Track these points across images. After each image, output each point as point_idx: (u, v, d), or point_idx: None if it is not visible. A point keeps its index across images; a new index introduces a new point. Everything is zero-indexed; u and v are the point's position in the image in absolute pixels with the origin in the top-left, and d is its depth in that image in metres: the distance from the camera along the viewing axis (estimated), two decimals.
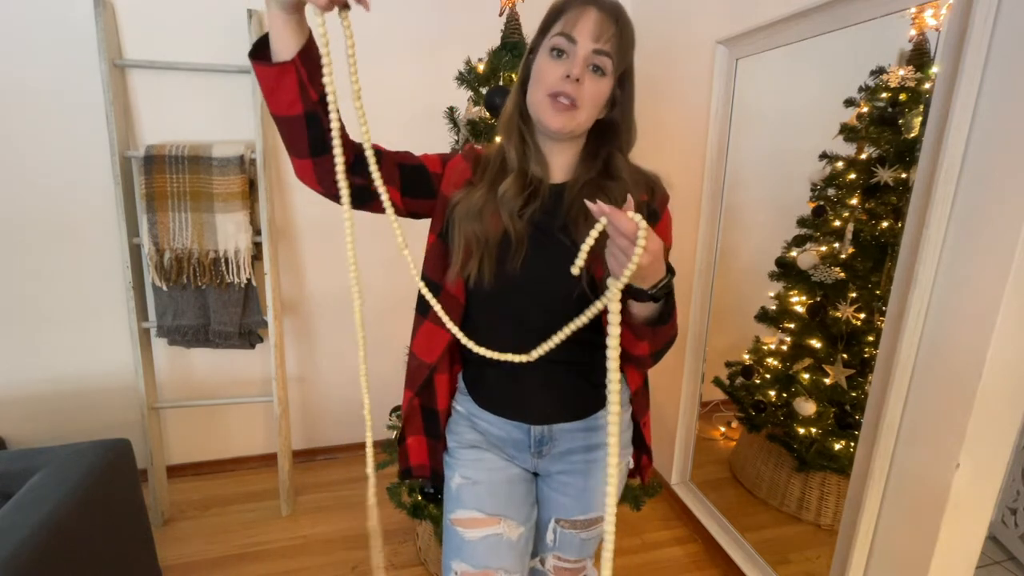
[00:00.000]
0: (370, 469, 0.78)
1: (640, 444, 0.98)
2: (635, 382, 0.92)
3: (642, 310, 0.70)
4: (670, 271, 0.67)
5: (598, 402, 0.88)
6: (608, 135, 0.81)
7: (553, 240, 0.78)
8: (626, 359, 0.77)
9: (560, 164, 0.82)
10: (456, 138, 1.46)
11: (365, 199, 0.75)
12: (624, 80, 0.78)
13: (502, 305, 0.82)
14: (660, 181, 0.84)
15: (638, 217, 0.57)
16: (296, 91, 0.64)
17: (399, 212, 0.80)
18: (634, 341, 0.75)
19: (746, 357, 1.99)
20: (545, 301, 0.79)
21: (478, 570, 0.84)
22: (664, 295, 0.68)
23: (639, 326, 0.73)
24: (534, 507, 0.94)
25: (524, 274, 0.78)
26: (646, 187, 0.82)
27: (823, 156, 1.71)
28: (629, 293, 0.68)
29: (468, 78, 1.44)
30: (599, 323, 0.81)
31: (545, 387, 0.85)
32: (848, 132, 1.65)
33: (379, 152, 0.75)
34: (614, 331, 0.61)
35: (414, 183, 0.80)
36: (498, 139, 0.85)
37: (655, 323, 0.73)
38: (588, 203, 0.59)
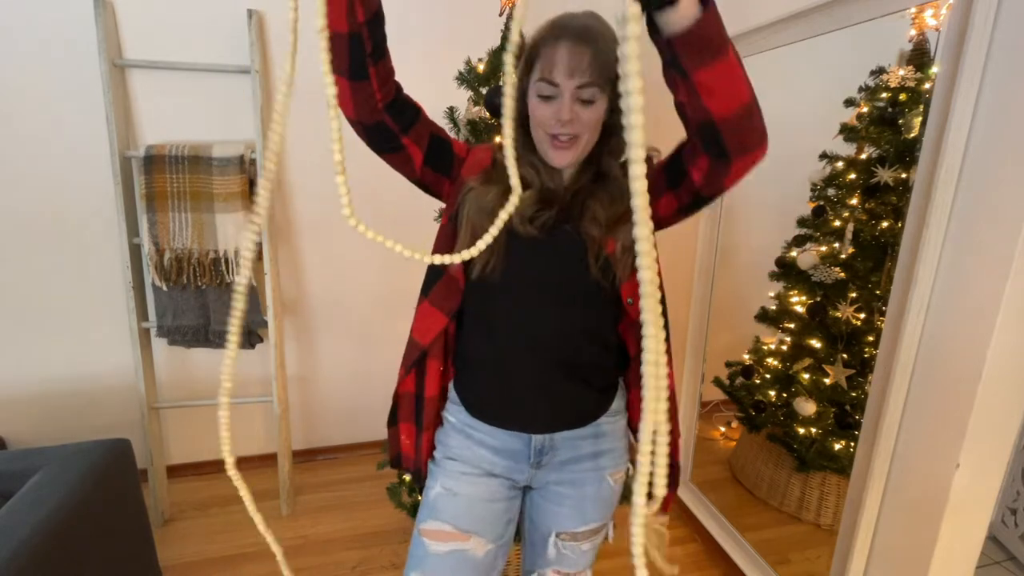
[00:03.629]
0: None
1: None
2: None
3: (676, 18, 0.51)
4: None
5: (600, 407, 0.87)
6: (606, 140, 0.81)
7: (563, 234, 0.80)
8: (710, 146, 0.62)
9: (568, 173, 0.84)
10: (456, 138, 1.46)
11: (386, 146, 0.76)
12: (616, 85, 0.78)
13: (507, 298, 0.82)
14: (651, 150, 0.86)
15: None
16: (344, 7, 0.62)
17: (413, 177, 0.82)
18: (708, 78, 0.55)
19: (746, 357, 1.99)
20: (555, 293, 0.81)
21: None
22: None
23: (688, 37, 0.52)
24: (510, 525, 0.91)
25: (536, 271, 0.80)
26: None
27: (823, 156, 1.71)
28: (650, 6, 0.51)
29: (468, 78, 1.44)
30: (605, 320, 0.83)
31: (546, 393, 0.83)
32: (848, 132, 1.65)
33: (419, 111, 0.78)
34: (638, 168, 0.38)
35: (438, 156, 0.81)
36: (498, 140, 0.86)
37: (708, 37, 0.53)
38: None
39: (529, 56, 0.77)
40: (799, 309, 1.79)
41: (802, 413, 1.71)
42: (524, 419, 0.84)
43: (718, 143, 0.61)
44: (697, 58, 0.54)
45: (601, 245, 0.78)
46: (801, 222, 1.80)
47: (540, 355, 0.82)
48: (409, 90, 0.78)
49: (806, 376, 1.77)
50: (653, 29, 0.55)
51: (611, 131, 0.81)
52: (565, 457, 0.87)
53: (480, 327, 0.85)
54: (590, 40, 0.71)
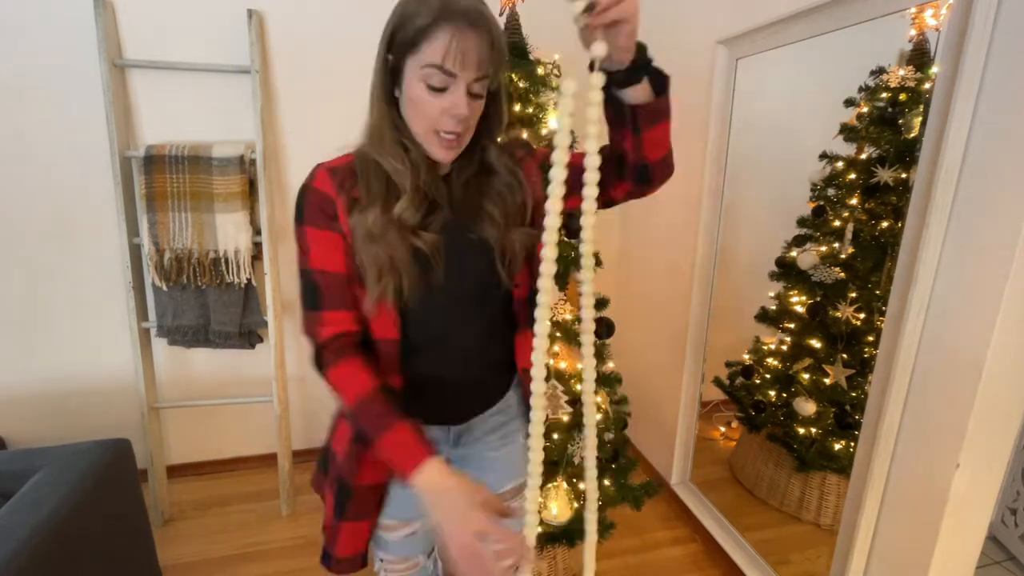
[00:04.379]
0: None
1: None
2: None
3: (637, 93, 0.64)
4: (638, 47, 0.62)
5: (506, 385, 0.90)
6: (481, 122, 0.74)
7: (468, 243, 0.76)
8: (639, 178, 0.73)
9: (445, 164, 0.77)
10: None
11: None
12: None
13: (434, 319, 0.78)
14: (520, 139, 0.86)
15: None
16: None
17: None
18: (653, 136, 0.68)
19: (746, 357, 1.99)
20: (470, 303, 0.79)
21: (398, 557, 0.91)
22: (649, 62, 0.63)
23: (648, 108, 0.65)
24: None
25: (449, 280, 0.75)
26: (516, 148, 0.82)
27: (823, 156, 1.71)
28: (621, 80, 0.63)
29: None
30: (507, 311, 0.83)
31: (467, 388, 0.85)
32: (848, 132, 1.65)
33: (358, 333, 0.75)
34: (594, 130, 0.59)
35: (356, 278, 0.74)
36: (362, 148, 0.74)
37: (663, 108, 0.67)
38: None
39: (416, 35, 0.65)
40: (799, 309, 1.79)
41: (802, 413, 1.71)
42: (442, 416, 0.86)
43: (647, 177, 0.73)
44: (650, 121, 0.67)
45: (504, 248, 0.76)
46: (801, 222, 1.80)
47: (456, 360, 0.81)
48: None
49: (806, 376, 1.77)
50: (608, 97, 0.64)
51: (483, 118, 0.74)
52: (479, 433, 0.89)
53: (418, 348, 0.79)
54: (486, 27, 0.64)
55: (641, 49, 0.62)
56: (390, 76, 0.70)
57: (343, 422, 0.86)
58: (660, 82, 0.65)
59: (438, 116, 0.67)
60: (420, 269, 0.72)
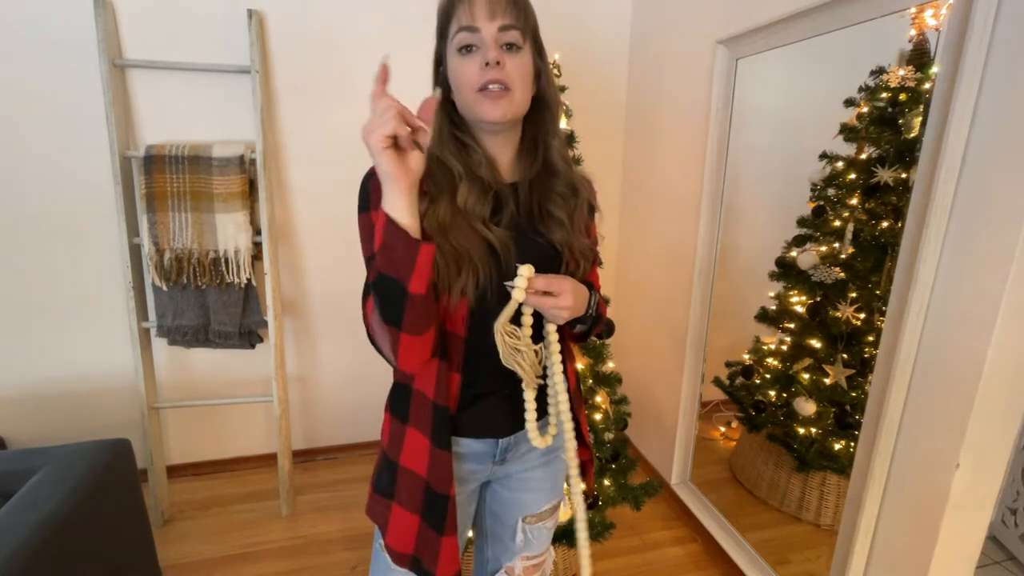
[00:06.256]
0: None
1: (580, 439, 0.94)
2: (571, 379, 0.92)
3: (579, 328, 0.83)
4: (593, 301, 0.79)
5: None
6: (540, 114, 0.77)
7: (532, 242, 0.77)
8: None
9: (505, 162, 0.79)
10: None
11: None
12: (538, 47, 0.75)
13: (488, 321, 0.75)
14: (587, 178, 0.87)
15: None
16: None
17: None
18: (587, 337, 0.88)
19: (746, 357, 1.99)
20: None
21: None
22: (591, 319, 0.80)
23: (579, 335, 0.85)
24: (465, 529, 0.92)
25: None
26: (583, 182, 0.83)
27: (823, 156, 1.71)
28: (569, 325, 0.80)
29: None
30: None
31: (512, 400, 0.83)
32: (848, 132, 1.65)
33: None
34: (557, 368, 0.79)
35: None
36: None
37: (588, 332, 0.85)
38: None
39: (442, 22, 0.73)
40: (799, 309, 1.79)
41: (802, 413, 1.71)
42: (494, 427, 0.84)
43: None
44: (584, 338, 0.87)
45: (572, 251, 0.77)
46: (801, 222, 1.80)
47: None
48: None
49: (806, 376, 1.77)
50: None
51: (542, 102, 0.77)
52: (525, 448, 0.88)
53: (477, 357, 0.79)
54: None
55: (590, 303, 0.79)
56: (444, 80, 0.75)
57: (411, 433, 0.80)
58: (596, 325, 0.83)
59: (476, 74, 0.69)
60: (494, 264, 0.74)
